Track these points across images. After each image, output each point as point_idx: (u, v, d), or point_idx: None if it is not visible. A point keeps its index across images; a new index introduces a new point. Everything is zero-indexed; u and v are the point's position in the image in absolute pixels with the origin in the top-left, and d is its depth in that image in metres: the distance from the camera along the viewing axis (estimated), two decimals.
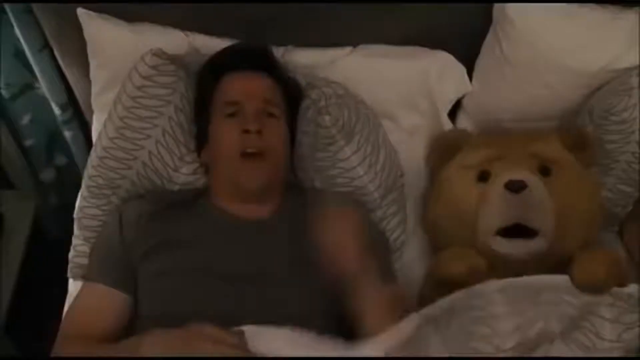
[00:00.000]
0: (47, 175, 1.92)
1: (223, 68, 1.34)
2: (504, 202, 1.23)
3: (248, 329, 1.06)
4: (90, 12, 1.40)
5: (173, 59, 1.37)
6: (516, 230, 1.23)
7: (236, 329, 1.05)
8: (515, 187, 1.22)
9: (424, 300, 1.20)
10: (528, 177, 1.24)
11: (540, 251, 1.21)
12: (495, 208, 1.24)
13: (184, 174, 1.38)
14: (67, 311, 1.26)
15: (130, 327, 1.21)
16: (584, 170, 1.33)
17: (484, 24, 1.45)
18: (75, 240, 1.39)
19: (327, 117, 1.33)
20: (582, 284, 1.13)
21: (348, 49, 1.47)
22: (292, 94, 1.37)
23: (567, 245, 1.24)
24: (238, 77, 1.32)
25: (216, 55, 1.38)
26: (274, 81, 1.34)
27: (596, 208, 1.32)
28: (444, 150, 1.42)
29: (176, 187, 1.38)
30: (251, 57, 1.35)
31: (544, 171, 1.27)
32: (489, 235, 1.25)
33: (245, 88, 1.30)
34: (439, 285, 1.21)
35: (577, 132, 1.37)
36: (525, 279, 1.15)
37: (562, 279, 1.16)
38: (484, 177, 1.30)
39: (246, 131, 1.24)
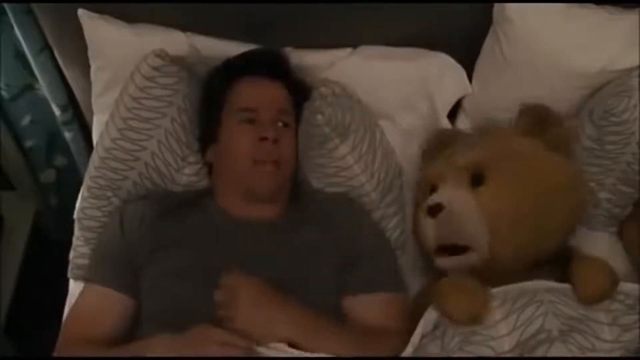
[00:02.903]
0: (47, 176, 1.92)
1: (239, 71, 1.34)
2: (427, 226, 1.26)
3: None
4: (91, 13, 1.40)
5: (175, 60, 1.37)
6: (452, 248, 1.24)
7: None
8: (432, 212, 1.24)
9: (419, 308, 1.20)
10: (448, 196, 1.24)
11: (474, 264, 1.21)
12: (423, 232, 1.27)
13: (187, 174, 1.38)
14: (68, 314, 1.27)
15: (132, 329, 1.21)
16: (545, 156, 1.28)
17: (484, 24, 1.45)
18: (75, 241, 1.39)
19: (319, 117, 1.34)
20: (590, 298, 1.13)
21: (348, 50, 1.47)
22: (302, 101, 1.37)
23: (509, 251, 1.21)
24: (255, 83, 1.32)
25: (234, 57, 1.38)
26: (288, 90, 1.34)
27: (546, 207, 1.24)
28: (436, 150, 1.41)
29: (178, 188, 1.38)
30: (268, 64, 1.35)
31: (478, 180, 1.24)
32: (432, 254, 1.27)
33: (262, 96, 1.30)
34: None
35: (533, 112, 1.33)
36: (520, 285, 1.15)
37: (557, 284, 1.16)
38: (433, 191, 1.30)
39: (263, 139, 1.24)
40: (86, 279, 1.27)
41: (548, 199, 1.23)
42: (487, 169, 1.24)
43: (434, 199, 1.25)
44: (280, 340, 1.07)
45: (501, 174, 1.24)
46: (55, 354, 1.20)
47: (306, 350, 1.08)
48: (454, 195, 1.24)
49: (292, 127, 1.33)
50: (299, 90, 1.37)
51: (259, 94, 1.30)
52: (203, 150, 1.37)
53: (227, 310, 1.08)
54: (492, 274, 1.19)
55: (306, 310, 1.12)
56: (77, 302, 1.25)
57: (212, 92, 1.36)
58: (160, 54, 1.34)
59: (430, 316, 1.14)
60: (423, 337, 1.13)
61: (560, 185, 1.26)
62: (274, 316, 1.09)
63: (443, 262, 1.25)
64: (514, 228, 1.21)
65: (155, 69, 1.33)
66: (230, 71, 1.35)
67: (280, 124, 1.29)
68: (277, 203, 1.31)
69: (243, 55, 1.38)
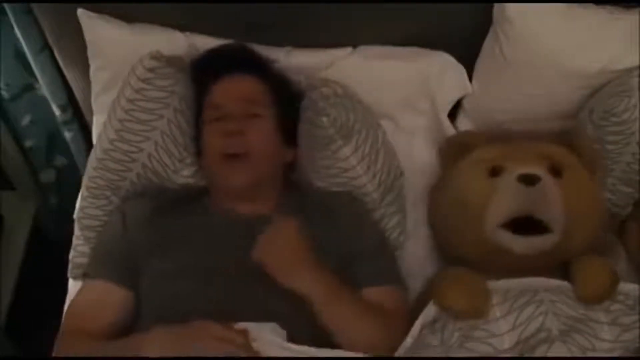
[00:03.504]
0: (47, 176, 1.92)
1: (208, 73, 1.34)
2: (516, 193, 1.21)
3: (250, 326, 1.07)
4: (90, 13, 1.40)
5: (172, 62, 1.37)
6: (524, 226, 1.20)
7: (239, 326, 1.06)
8: (529, 180, 1.20)
9: (421, 305, 1.20)
10: (541, 173, 1.23)
11: (545, 249, 1.20)
12: (507, 199, 1.22)
13: (184, 176, 1.39)
14: (69, 306, 1.27)
15: (132, 323, 1.21)
16: (589, 175, 1.32)
17: (484, 24, 1.45)
18: (75, 241, 1.39)
19: (324, 119, 1.34)
20: (589, 297, 1.13)
21: (348, 49, 1.47)
22: (281, 91, 1.36)
23: (573, 246, 1.24)
24: (222, 80, 1.32)
25: (199, 60, 1.38)
26: (258, 80, 1.33)
27: (601, 213, 1.32)
28: (456, 150, 1.41)
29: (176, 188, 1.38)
30: (232, 60, 1.35)
31: (555, 172, 1.26)
32: (495, 228, 1.22)
33: (227, 91, 1.31)
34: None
35: (575, 139, 1.36)
36: (520, 280, 1.15)
37: (558, 282, 1.16)
38: (495, 172, 1.28)
39: (229, 133, 1.25)
40: (86, 275, 1.27)
41: (598, 206, 1.30)
42: (563, 165, 1.28)
43: (528, 170, 1.23)
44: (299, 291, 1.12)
45: (576, 173, 1.29)
46: (55, 347, 1.20)
47: (322, 314, 1.12)
48: (544, 174, 1.23)
49: (265, 117, 1.30)
50: (274, 79, 1.36)
51: (224, 90, 1.31)
52: (198, 152, 1.37)
53: (261, 249, 1.13)
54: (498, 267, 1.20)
55: (331, 274, 1.15)
56: (77, 295, 1.25)
57: (195, 95, 1.37)
58: (156, 56, 1.34)
59: (430, 310, 1.15)
60: (422, 328, 1.13)
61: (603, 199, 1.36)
62: (301, 266, 1.13)
63: (518, 243, 1.20)
64: (586, 219, 1.25)
65: (150, 70, 1.33)
66: (201, 74, 1.36)
67: (249, 115, 1.28)
68: (267, 197, 1.31)
69: (206, 57, 1.38)
